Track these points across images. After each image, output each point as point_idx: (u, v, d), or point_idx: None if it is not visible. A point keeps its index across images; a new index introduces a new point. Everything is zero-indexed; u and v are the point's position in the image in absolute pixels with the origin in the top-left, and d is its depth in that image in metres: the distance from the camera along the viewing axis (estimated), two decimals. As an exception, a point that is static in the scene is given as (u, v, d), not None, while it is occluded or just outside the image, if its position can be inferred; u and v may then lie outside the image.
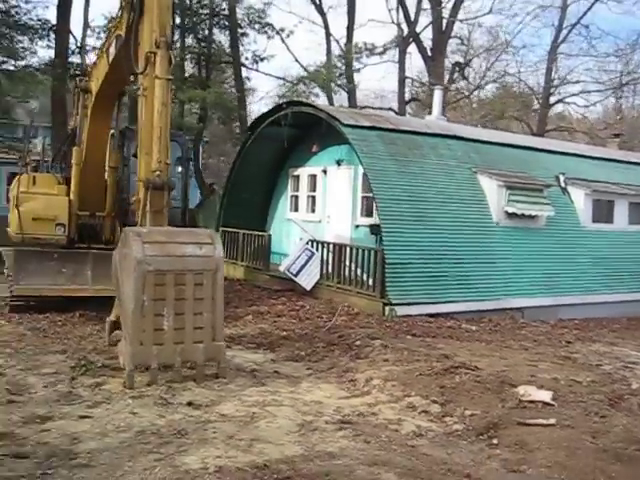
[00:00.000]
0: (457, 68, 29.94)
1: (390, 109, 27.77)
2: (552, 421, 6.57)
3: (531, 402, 7.13)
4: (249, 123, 19.66)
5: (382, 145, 13.61)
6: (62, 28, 21.40)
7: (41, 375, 7.36)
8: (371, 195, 14.67)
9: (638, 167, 18.57)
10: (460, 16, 27.79)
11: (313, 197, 17.10)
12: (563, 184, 15.57)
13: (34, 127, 30.12)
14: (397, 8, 27.31)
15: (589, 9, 29.28)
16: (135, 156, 8.73)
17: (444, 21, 27.76)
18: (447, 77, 28.76)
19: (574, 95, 31.13)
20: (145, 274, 7.00)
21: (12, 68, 21.87)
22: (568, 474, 5.33)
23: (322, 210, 16.58)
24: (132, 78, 10.27)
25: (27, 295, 10.50)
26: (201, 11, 22.93)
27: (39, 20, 21.46)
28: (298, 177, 17.66)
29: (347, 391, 7.50)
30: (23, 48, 20.82)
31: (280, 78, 25.71)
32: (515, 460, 5.65)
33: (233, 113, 23.49)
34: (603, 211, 16.03)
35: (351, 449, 5.62)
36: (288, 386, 7.52)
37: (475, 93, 32.13)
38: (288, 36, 24.12)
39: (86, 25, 22.81)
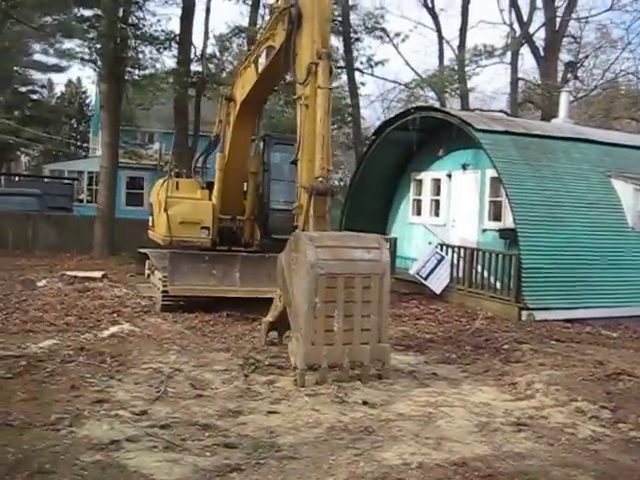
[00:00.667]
0: (570, 68, 29.15)
1: (502, 111, 27.40)
2: None
3: None
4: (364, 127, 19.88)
5: (515, 150, 13.54)
6: (185, 38, 22.38)
7: (215, 372, 7.79)
8: (499, 199, 14.67)
9: None
10: (575, 15, 27.12)
11: (437, 201, 17.16)
12: (701, 187, 14.90)
13: (150, 133, 31.70)
14: (510, 9, 26.97)
15: None
16: (294, 163, 9.04)
17: (557, 20, 27.08)
18: (560, 77, 28.04)
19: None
20: (317, 277, 7.32)
21: (137, 77, 22.99)
22: None
23: (447, 214, 16.61)
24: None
25: (181, 295, 11.08)
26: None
27: (163, 31, 22.53)
28: (421, 181, 17.77)
29: (510, 394, 7.55)
30: (151, 59, 21.91)
31: (397, 82, 25.99)
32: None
33: (347, 117, 23.87)
34: None
35: (537, 450, 5.71)
36: (450, 388, 7.66)
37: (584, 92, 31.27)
38: (403, 40, 24.33)
39: (206, 35, 23.77)
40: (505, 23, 27.66)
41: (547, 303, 12.30)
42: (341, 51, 24.20)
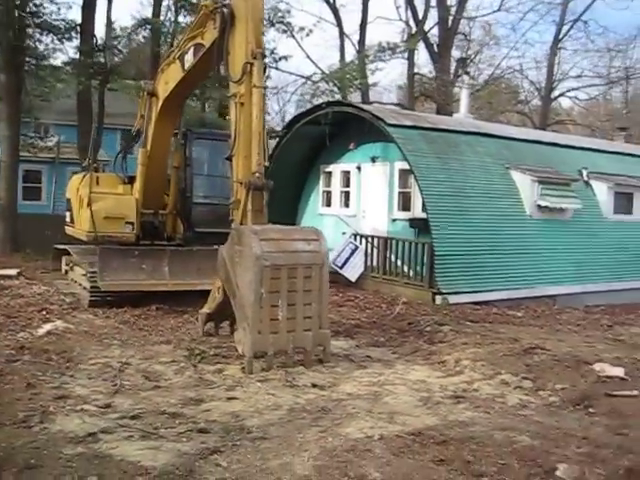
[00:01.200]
0: (461, 64, 30.77)
1: (399, 104, 28.57)
2: (635, 392, 7.41)
3: (608, 377, 7.96)
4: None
5: (424, 143, 14.38)
6: (87, 28, 21.78)
7: (163, 364, 7.99)
8: (408, 190, 15.52)
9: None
10: (466, 13, 28.70)
11: (347, 192, 17.82)
12: (586, 178, 16.46)
13: (45, 125, 30.52)
14: (406, 7, 28.14)
15: (589, 6, 30.28)
16: (229, 159, 9.28)
17: (450, 19, 28.53)
18: (452, 72, 29.57)
19: (575, 89, 32.28)
20: (263, 269, 7.69)
21: (36, 67, 22.20)
22: None
23: (357, 205, 17.30)
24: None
25: (112, 291, 11.07)
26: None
27: (63, 20, 21.83)
28: (330, 173, 18.37)
29: (441, 371, 8.26)
30: (53, 49, 21.21)
31: (301, 76, 26.41)
32: (615, 425, 6.40)
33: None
34: (623, 203, 16.97)
35: (477, 418, 6.39)
36: (386, 368, 8.26)
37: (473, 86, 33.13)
38: (307, 35, 24.77)
39: (109, 25, 23.19)
40: (402, 20, 28.86)
41: (457, 287, 13.24)
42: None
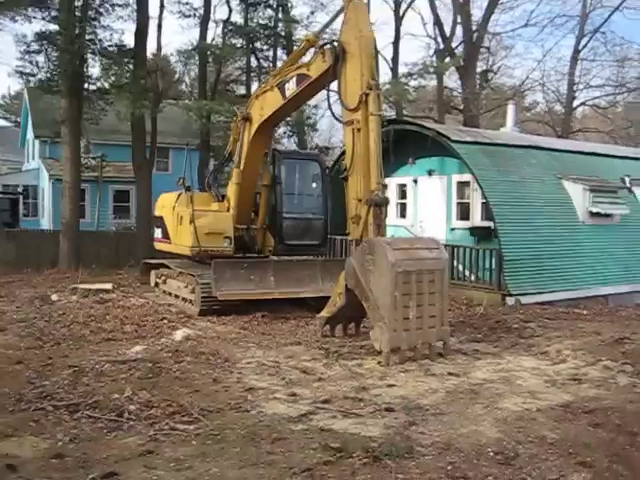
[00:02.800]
0: (484, 77, 32.10)
1: (429, 117, 29.84)
2: None
3: (697, 361, 9.09)
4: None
5: (485, 157, 15.56)
6: (140, 53, 22.94)
7: (308, 361, 9.06)
8: (466, 201, 16.69)
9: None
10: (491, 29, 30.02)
11: (403, 204, 18.99)
12: (629, 185, 17.63)
13: (91, 143, 31.78)
14: (433, 26, 29.54)
15: (608, 17, 31.63)
16: (344, 179, 10.41)
17: (475, 35, 29.81)
18: (477, 85, 30.84)
19: (596, 98, 33.57)
20: (397, 274, 8.83)
21: (94, 91, 23.42)
22: None
23: (414, 215, 18.47)
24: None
25: (228, 300, 12.17)
26: (263, 32, 24.78)
27: (117, 46, 23.07)
28: (386, 186, 19.47)
29: (547, 360, 9.36)
30: (113, 74, 22.37)
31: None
32: None
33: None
34: (664, 207, 18.11)
35: (604, 395, 7.50)
36: (498, 359, 9.37)
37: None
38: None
39: (159, 50, 24.43)
40: (429, 36, 30.23)
41: (524, 289, 14.37)
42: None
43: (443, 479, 5.08)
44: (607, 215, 16.34)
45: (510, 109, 20.13)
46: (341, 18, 10.86)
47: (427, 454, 5.57)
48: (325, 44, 10.83)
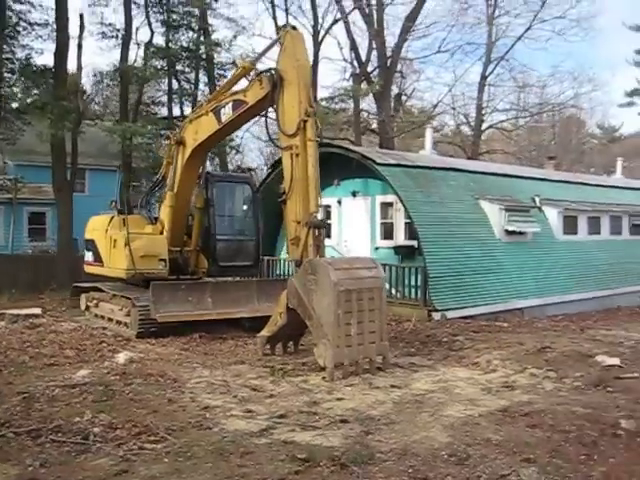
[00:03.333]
0: (398, 99, 33.44)
1: (346, 139, 30.74)
2: (636, 375, 9.46)
3: (609, 366, 10.00)
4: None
5: (408, 179, 16.37)
6: (59, 73, 22.62)
7: (256, 379, 9.27)
8: (390, 221, 17.45)
9: (587, 187, 22.41)
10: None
11: (327, 224, 19.54)
12: (539, 204, 18.93)
13: (6, 163, 30.78)
14: (350, 51, 30.60)
15: (512, 46, 33.80)
16: (283, 202, 10.79)
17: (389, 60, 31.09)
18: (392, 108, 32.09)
19: (502, 121, 35.60)
20: (339, 293, 9.28)
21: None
22: None
23: (338, 235, 19.06)
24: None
25: (166, 322, 12.23)
26: (184, 54, 24.95)
27: (36, 66, 22.67)
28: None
29: (479, 370, 10.03)
30: (25, 93, 21.95)
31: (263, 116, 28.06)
32: (633, 398, 8.37)
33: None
34: (570, 225, 19.56)
35: (535, 399, 8.19)
36: (434, 371, 9.97)
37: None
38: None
39: (79, 70, 24.10)
40: (345, 60, 31.31)
41: (448, 304, 15.18)
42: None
43: (406, 482, 5.52)
44: (521, 233, 17.50)
45: (428, 133, 21.20)
46: (276, 47, 11.33)
47: (387, 459, 5.99)
48: (263, 72, 11.22)
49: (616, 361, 10.23)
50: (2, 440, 6.37)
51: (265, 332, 11.02)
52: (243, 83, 12.24)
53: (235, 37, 25.62)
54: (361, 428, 6.97)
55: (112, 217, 14.12)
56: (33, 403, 7.74)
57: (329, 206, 19.49)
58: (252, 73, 11.73)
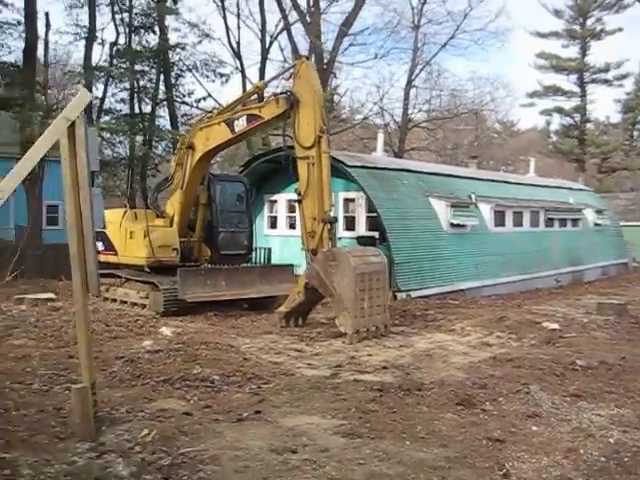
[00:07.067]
0: (330, 100, 36.15)
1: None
2: (574, 334, 12.64)
3: (552, 329, 13.15)
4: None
5: (372, 179, 19.09)
6: (28, 70, 23.75)
7: (292, 344, 11.74)
8: (352, 215, 20.16)
9: (510, 185, 25.99)
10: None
11: (292, 217, 21.99)
12: (475, 200, 22.18)
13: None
14: (292, 52, 32.98)
15: (436, 53, 37.40)
16: (299, 202, 13.20)
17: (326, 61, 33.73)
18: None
19: (426, 121, 39.05)
20: (356, 275, 11.87)
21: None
22: (600, 348, 11.20)
23: (304, 227, 21.50)
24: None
25: (194, 302, 14.35)
26: (146, 54, 26.50)
27: (4, 63, 23.70)
28: (276, 201, 22.46)
29: (457, 335, 12.90)
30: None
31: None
32: (575, 349, 11.41)
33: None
34: (499, 219, 22.96)
35: (512, 351, 11.09)
36: (422, 336, 12.73)
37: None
38: (227, 81, 28.59)
39: (46, 67, 25.18)
40: (286, 61, 33.68)
41: (410, 286, 18.07)
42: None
43: (453, 399, 8.18)
44: (463, 225, 20.64)
45: (380, 137, 24.00)
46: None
47: (433, 387, 8.64)
48: (279, 93, 13.57)
49: (556, 326, 13.40)
50: (149, 386, 8.50)
51: (283, 308, 13.44)
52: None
53: (201, 42, 27.53)
54: (400, 371, 9.61)
55: (125, 212, 16.00)
56: (136, 364, 9.82)
57: (294, 201, 21.90)
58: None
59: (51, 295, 16.55)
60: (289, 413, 7.46)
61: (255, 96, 15.76)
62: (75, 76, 26.13)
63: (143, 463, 5.40)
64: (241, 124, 14.40)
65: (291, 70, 14.02)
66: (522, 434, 6.78)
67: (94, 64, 25.28)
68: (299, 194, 13.28)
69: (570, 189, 31.22)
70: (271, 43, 31.27)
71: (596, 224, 29.56)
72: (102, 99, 26.29)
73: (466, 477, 5.59)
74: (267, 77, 30.20)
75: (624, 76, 57.27)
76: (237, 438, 6.40)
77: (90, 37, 25.29)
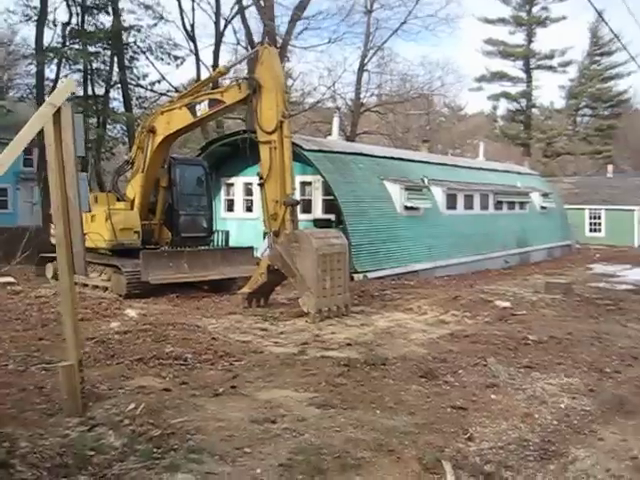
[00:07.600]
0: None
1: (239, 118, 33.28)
2: (524, 312, 13.36)
3: (504, 308, 13.85)
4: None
5: (329, 163, 19.48)
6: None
7: (257, 323, 12.09)
8: (308, 198, 20.55)
9: (461, 169, 26.74)
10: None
11: (249, 200, 22.23)
12: (427, 184, 22.81)
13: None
14: (245, 35, 32.98)
15: (388, 38, 37.87)
16: (261, 185, 13.47)
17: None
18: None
19: (378, 105, 39.54)
20: (319, 256, 12.27)
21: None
22: (549, 324, 11.94)
23: (260, 210, 21.75)
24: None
25: (157, 284, 14.50)
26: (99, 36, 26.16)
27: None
28: (232, 184, 22.63)
29: (414, 314, 13.46)
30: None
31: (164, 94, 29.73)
32: (526, 326, 12.08)
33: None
34: (451, 202, 23.68)
35: (466, 328, 11.70)
36: (381, 315, 13.24)
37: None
38: (182, 63, 28.46)
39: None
40: (239, 44, 33.70)
41: (367, 267, 18.58)
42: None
43: (417, 372, 8.68)
44: (416, 208, 21.25)
45: (335, 120, 24.33)
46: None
47: (396, 362, 9.13)
48: (241, 78, 13.77)
49: (508, 304, 14.12)
50: (124, 365, 8.75)
51: (246, 289, 13.76)
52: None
53: (156, 24, 27.25)
54: (363, 347, 10.07)
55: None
56: (107, 345, 10.02)
57: (250, 184, 22.17)
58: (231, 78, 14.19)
59: (10, 279, 16.45)
60: (263, 387, 7.83)
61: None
62: (25, 58, 25.63)
63: (134, 434, 5.70)
64: (202, 108, 14.57)
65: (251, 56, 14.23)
66: (482, 402, 7.33)
67: (46, 45, 24.75)
68: (261, 177, 13.56)
69: (518, 173, 32.29)
70: (225, 26, 31.25)
71: (542, 207, 30.69)
72: (55, 81, 25.83)
73: (435, 440, 6.07)
74: (221, 60, 30.22)
75: (568, 63, 59.23)
76: (218, 411, 6.75)
77: (41, 18, 24.78)
